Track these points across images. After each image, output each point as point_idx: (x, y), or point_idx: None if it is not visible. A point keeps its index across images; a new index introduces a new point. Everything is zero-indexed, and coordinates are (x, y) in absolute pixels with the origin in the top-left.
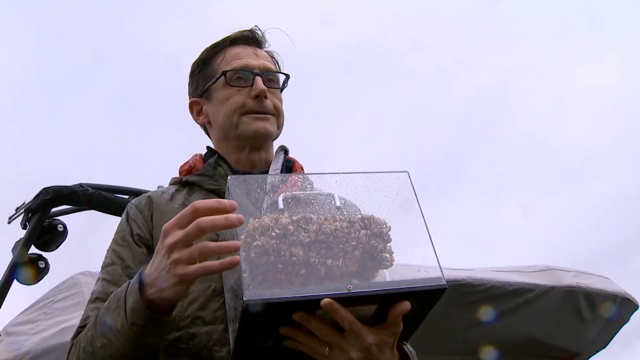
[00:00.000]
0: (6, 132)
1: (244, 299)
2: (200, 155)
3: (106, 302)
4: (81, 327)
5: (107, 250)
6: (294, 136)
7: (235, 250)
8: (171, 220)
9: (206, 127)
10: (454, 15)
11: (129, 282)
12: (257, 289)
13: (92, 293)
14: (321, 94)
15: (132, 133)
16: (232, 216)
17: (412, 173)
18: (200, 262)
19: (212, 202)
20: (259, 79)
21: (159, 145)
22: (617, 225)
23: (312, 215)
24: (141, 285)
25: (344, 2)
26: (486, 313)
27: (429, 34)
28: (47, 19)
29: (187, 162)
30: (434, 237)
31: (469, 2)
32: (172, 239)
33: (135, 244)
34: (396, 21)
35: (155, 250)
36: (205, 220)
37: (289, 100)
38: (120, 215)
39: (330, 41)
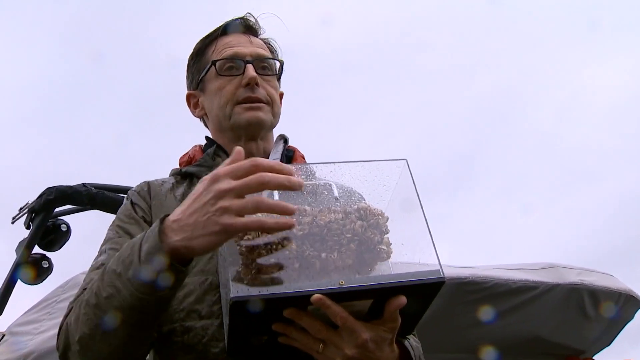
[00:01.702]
0: (19, 135)
1: (231, 295)
2: (200, 146)
3: (117, 253)
4: (83, 290)
5: (109, 230)
6: (307, 135)
7: (292, 212)
8: (224, 168)
9: (203, 119)
10: (467, 16)
11: (145, 232)
12: (245, 285)
13: (95, 262)
14: (335, 94)
15: (147, 135)
16: (295, 179)
17: (425, 173)
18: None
19: (274, 162)
20: (249, 67)
21: (175, 147)
22: (627, 225)
23: (306, 207)
24: (162, 231)
25: (356, 4)
26: (489, 311)
27: (442, 35)
28: (66, 26)
29: (187, 153)
30: (445, 236)
31: (482, 4)
32: (225, 185)
33: (144, 221)
34: (410, 22)
35: (192, 196)
36: (268, 175)
37: (306, 100)
38: None
39: (342, 43)
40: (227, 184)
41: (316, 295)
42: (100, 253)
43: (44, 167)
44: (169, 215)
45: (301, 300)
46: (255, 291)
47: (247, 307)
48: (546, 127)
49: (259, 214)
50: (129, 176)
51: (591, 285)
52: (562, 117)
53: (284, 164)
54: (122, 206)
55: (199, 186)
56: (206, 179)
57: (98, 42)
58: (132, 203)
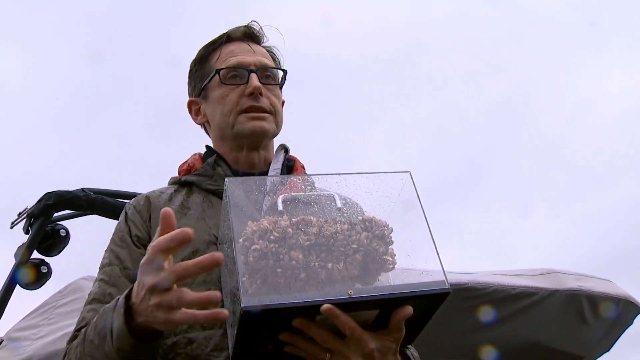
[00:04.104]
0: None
1: (242, 305)
2: (200, 154)
3: (94, 319)
4: (77, 331)
5: (105, 250)
6: (313, 140)
7: (216, 302)
8: (144, 259)
9: (205, 127)
10: (477, 22)
11: (117, 301)
12: (255, 295)
13: (89, 294)
14: (342, 100)
15: (158, 141)
16: (206, 260)
17: (432, 179)
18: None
19: (167, 240)
20: (253, 76)
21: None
22: (629, 231)
23: (311, 218)
24: (128, 309)
25: (366, 8)
26: (488, 317)
27: (451, 40)
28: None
29: (186, 161)
30: (449, 242)
31: (492, 9)
32: (150, 280)
33: (134, 244)
34: (420, 28)
35: (137, 279)
36: (179, 269)
37: (315, 105)
38: None
39: (349, 48)
40: (150, 279)
41: (326, 305)
42: (95, 281)
43: (53, 173)
44: (132, 290)
45: (310, 310)
46: (266, 300)
47: (257, 316)
48: (555, 133)
49: None
50: (141, 182)
51: (590, 291)
52: (572, 123)
53: (177, 234)
54: (119, 220)
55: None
56: (140, 266)
57: (115, 49)
58: (126, 220)
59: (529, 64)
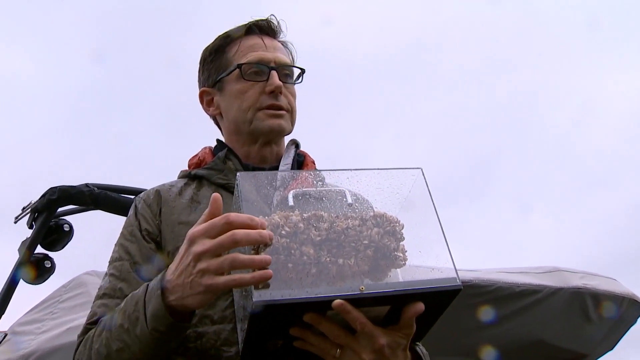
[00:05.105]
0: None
1: (253, 300)
2: (210, 148)
3: (122, 304)
4: (89, 324)
5: (115, 244)
6: (324, 138)
7: (267, 264)
8: (199, 228)
9: (216, 118)
10: (485, 21)
11: (148, 286)
12: (266, 290)
13: (99, 289)
14: (350, 100)
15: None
16: (265, 233)
17: (438, 177)
18: (227, 273)
19: (246, 217)
20: (274, 74)
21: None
22: (634, 231)
23: (323, 213)
24: (162, 290)
25: (374, 9)
26: (492, 314)
27: (459, 39)
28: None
29: (197, 155)
30: (457, 240)
31: (500, 9)
32: (200, 247)
33: (144, 239)
34: (427, 28)
35: (178, 256)
36: (240, 233)
37: (323, 103)
38: (126, 215)
39: (354, 47)
40: (201, 246)
41: (338, 301)
42: (104, 275)
43: (57, 169)
44: (166, 272)
45: (321, 305)
46: (278, 295)
47: (268, 311)
48: (561, 133)
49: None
50: (144, 179)
51: (594, 289)
52: (578, 124)
53: (256, 219)
54: (129, 213)
55: (183, 246)
56: (186, 238)
57: (122, 49)
58: (136, 213)
59: (536, 65)
